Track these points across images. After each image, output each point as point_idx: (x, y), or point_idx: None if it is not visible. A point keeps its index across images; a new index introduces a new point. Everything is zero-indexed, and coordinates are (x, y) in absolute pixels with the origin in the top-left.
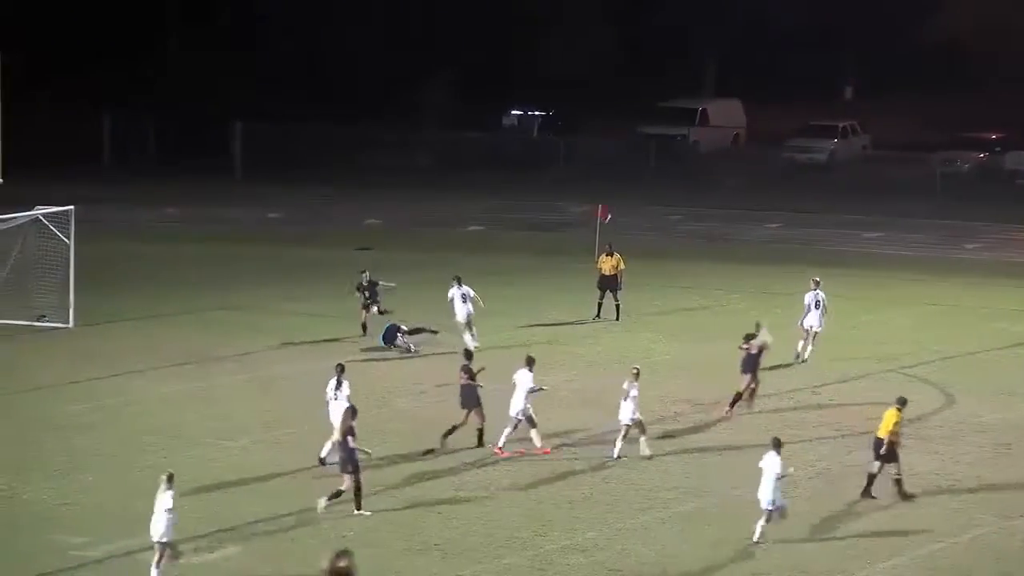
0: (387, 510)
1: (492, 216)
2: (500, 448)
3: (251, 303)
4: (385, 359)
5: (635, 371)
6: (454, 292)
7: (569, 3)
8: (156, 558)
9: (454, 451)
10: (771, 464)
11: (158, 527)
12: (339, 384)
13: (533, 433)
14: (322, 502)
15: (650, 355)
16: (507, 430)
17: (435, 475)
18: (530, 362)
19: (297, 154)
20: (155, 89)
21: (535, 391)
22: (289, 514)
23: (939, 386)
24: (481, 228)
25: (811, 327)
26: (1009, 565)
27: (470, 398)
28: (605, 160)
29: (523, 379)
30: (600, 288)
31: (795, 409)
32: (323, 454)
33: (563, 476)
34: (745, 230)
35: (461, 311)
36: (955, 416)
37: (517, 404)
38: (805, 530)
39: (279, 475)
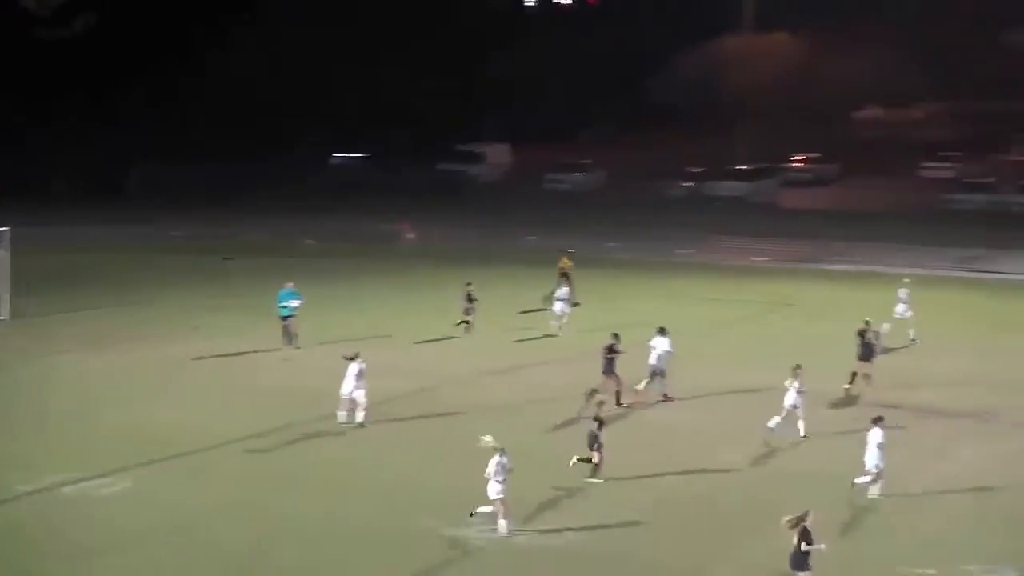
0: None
1: (325, 233)
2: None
3: (151, 297)
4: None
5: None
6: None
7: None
8: (501, 511)
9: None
10: (874, 436)
11: (493, 489)
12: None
13: None
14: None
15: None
16: None
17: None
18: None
19: (182, 187)
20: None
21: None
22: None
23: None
24: (314, 242)
25: (903, 314)
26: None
27: None
28: (412, 189)
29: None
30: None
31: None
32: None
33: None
34: (513, 242)
35: None
36: (670, 380)
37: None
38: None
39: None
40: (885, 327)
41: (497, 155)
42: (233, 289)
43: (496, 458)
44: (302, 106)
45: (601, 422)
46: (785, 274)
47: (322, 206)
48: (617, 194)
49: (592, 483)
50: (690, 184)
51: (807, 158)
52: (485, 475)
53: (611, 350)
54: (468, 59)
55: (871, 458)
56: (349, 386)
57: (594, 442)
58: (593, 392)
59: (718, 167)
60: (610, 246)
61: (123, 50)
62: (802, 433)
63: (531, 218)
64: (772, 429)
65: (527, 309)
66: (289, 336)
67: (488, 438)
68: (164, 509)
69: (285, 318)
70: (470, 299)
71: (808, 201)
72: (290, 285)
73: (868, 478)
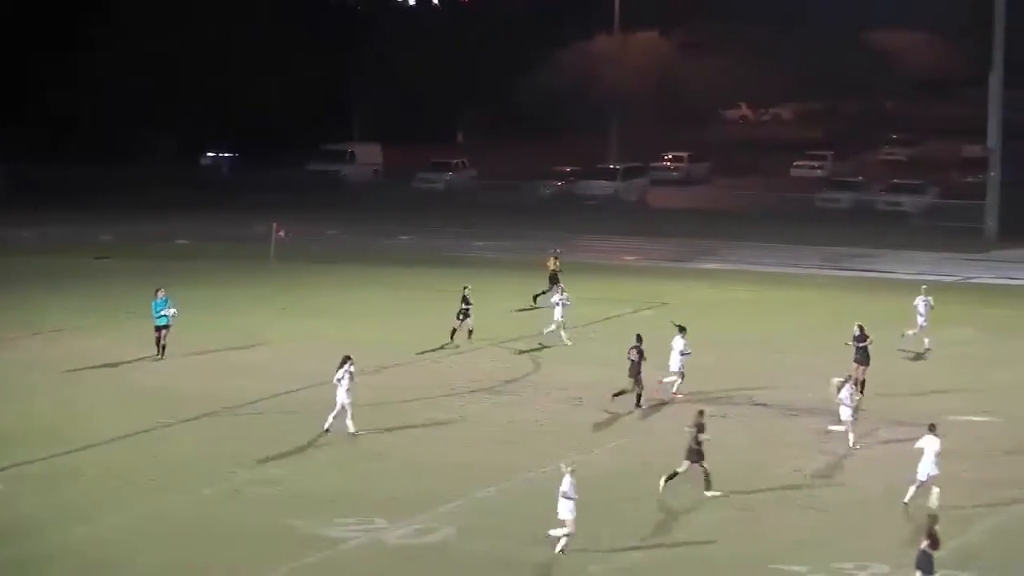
0: None
1: (196, 233)
2: None
3: (19, 299)
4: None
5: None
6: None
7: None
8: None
9: None
10: (930, 445)
11: (564, 510)
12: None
13: None
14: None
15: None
16: None
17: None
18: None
19: (52, 187)
20: None
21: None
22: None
23: (529, 355)
24: (186, 242)
25: (922, 324)
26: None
27: None
28: (282, 189)
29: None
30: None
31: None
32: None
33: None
34: (385, 241)
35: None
36: (540, 379)
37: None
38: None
39: None
40: (909, 333)
41: (368, 155)
42: (103, 290)
43: (568, 477)
44: (173, 105)
45: (701, 430)
46: (657, 273)
47: (193, 205)
48: (489, 194)
49: (712, 495)
50: (561, 183)
51: (677, 157)
52: (560, 494)
53: (636, 350)
54: (338, 57)
55: (925, 466)
56: (340, 393)
57: (696, 452)
58: (700, 412)
59: (590, 166)
60: (478, 245)
61: None
62: (852, 444)
63: (403, 217)
64: (829, 431)
65: (523, 308)
66: (160, 346)
67: (565, 465)
68: (31, 509)
69: (159, 328)
70: (466, 302)
71: (679, 200)
72: (161, 294)
73: (936, 489)
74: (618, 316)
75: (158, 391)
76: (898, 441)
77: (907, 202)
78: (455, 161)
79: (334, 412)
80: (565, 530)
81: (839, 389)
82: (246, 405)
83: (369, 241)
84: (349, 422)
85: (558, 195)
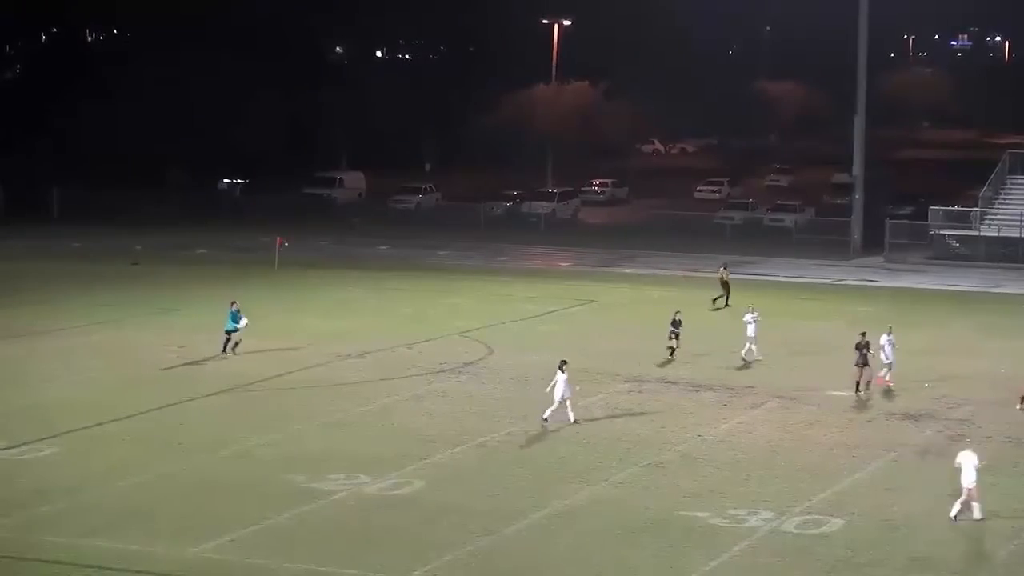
0: None
1: (214, 244)
2: None
3: (69, 295)
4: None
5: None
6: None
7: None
8: (967, 499)
9: None
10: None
11: (969, 477)
12: None
13: None
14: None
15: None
16: None
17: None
18: None
19: (95, 207)
20: None
21: None
22: None
23: (484, 343)
24: (205, 251)
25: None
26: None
27: None
28: (284, 209)
29: None
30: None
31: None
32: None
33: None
34: (367, 250)
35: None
36: (493, 362)
37: None
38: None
39: None
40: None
41: (353, 181)
42: (135, 289)
43: (970, 453)
44: (187, 142)
45: None
46: (587, 276)
47: (209, 222)
48: (450, 212)
49: None
50: (509, 204)
51: (602, 182)
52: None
53: (865, 346)
54: (329, 100)
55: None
56: (560, 390)
57: None
58: None
59: (532, 190)
60: (442, 254)
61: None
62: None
63: (381, 232)
64: None
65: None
66: (231, 345)
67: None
68: (76, 469)
69: (229, 332)
70: (676, 324)
71: (604, 217)
72: (235, 306)
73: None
74: (556, 311)
75: (184, 373)
76: (785, 408)
77: (788, 219)
78: (424, 186)
79: (552, 407)
80: (975, 501)
81: None
82: (255, 383)
83: (355, 251)
84: (570, 413)
85: (507, 213)
